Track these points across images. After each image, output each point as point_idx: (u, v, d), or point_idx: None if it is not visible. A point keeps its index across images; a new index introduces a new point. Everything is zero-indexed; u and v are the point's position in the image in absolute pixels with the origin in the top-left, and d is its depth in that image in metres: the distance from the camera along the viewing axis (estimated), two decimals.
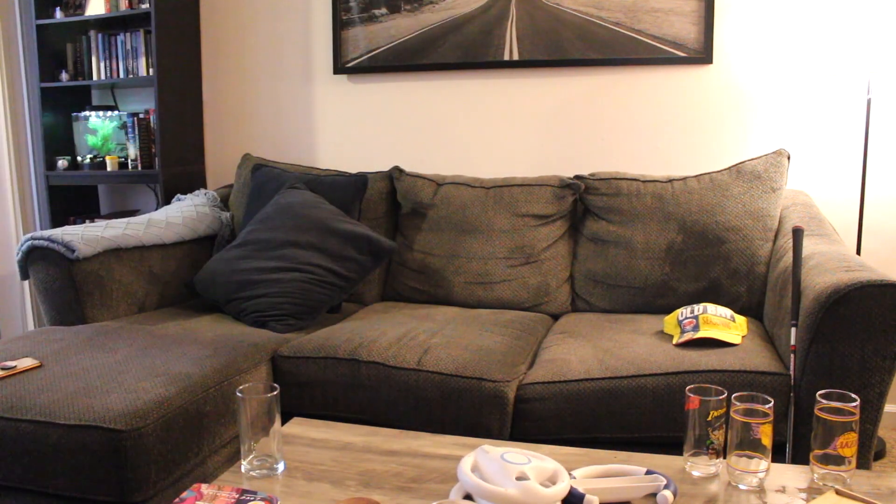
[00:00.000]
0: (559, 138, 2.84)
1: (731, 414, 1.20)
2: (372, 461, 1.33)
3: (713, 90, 2.67)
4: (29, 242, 2.23)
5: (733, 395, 1.22)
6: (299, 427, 1.49)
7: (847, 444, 1.18)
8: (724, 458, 1.24)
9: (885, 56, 2.32)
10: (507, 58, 2.82)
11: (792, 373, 1.68)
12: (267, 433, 1.27)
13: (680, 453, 1.28)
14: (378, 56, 2.97)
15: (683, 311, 2.04)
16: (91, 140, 3.19)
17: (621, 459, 1.32)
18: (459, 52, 2.87)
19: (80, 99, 3.31)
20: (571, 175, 2.66)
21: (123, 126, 3.14)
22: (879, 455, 2.38)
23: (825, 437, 1.19)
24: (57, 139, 3.19)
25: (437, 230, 2.58)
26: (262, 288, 2.27)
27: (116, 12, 3.01)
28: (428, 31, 2.89)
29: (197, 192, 2.90)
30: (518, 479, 1.07)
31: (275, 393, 1.27)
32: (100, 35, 3.10)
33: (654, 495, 1.16)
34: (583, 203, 2.53)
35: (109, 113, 3.17)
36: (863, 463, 1.64)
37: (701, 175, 2.41)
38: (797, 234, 1.74)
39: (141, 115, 3.09)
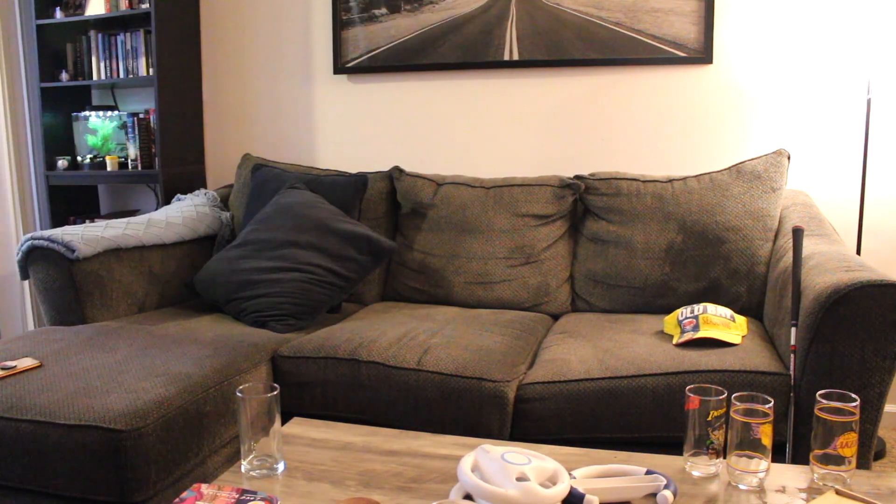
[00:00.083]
0: (559, 138, 2.84)
1: (731, 414, 1.20)
2: (372, 461, 1.33)
3: (713, 90, 2.67)
4: (29, 242, 2.23)
5: (733, 395, 1.22)
6: (299, 427, 1.49)
7: (847, 444, 1.18)
8: (724, 458, 1.24)
9: (885, 56, 2.32)
10: (507, 58, 2.82)
11: (792, 373, 1.68)
12: (267, 433, 1.27)
13: (680, 453, 1.28)
14: (378, 56, 2.97)
15: (683, 311, 2.04)
16: (91, 140, 3.19)
17: (621, 459, 1.31)
18: (459, 52, 2.87)
19: (80, 99, 3.31)
20: (571, 175, 2.66)
21: (123, 126, 3.14)
22: (879, 455, 2.38)
23: (825, 437, 1.19)
24: (57, 139, 3.19)
25: (437, 230, 2.58)
26: (262, 288, 2.27)
27: (116, 12, 3.01)
28: (428, 31, 2.89)
29: (197, 192, 2.90)
30: (518, 479, 1.07)
31: (275, 393, 1.27)
32: (100, 35, 3.10)
33: (654, 495, 1.16)
34: (583, 203, 2.53)
35: (109, 113, 3.17)
36: (863, 463, 1.64)
37: (701, 175, 2.41)
38: (797, 234, 1.74)
39: (141, 115, 3.09)
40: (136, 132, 3.08)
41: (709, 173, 2.40)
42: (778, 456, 1.49)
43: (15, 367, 1.74)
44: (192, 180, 3.18)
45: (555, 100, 2.83)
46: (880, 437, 2.48)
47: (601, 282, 2.42)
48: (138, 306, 2.43)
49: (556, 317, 2.44)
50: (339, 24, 2.99)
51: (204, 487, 1.17)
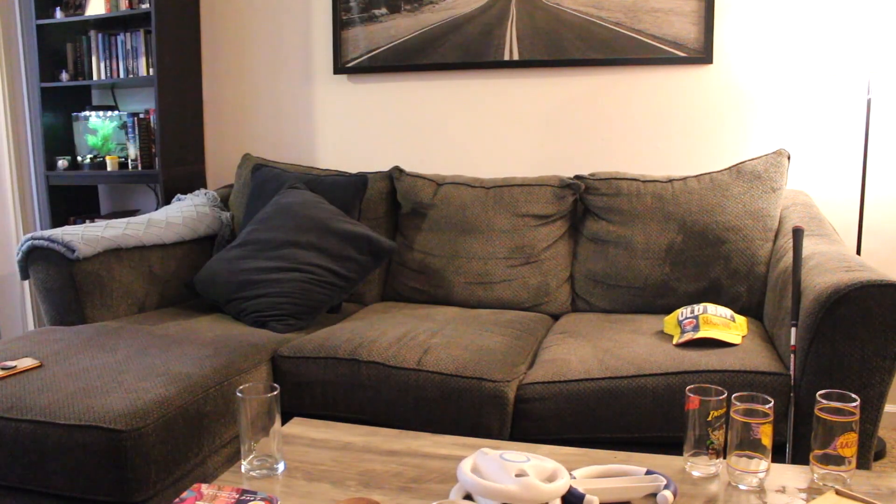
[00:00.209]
0: (559, 138, 2.84)
1: (731, 414, 1.20)
2: (372, 461, 1.33)
3: (713, 90, 2.67)
4: (29, 242, 2.23)
5: (733, 395, 1.22)
6: (299, 427, 1.49)
7: (847, 444, 1.18)
8: (724, 458, 1.24)
9: (885, 56, 2.32)
10: (507, 58, 2.82)
11: (792, 373, 1.68)
12: (267, 433, 1.27)
13: (680, 453, 1.28)
14: (378, 56, 2.97)
15: (683, 311, 2.04)
16: (91, 140, 3.19)
17: (621, 459, 1.31)
18: (459, 52, 2.87)
19: (81, 99, 3.31)
20: (571, 175, 2.66)
21: (123, 126, 3.14)
22: (879, 455, 2.38)
23: (825, 437, 1.19)
24: (57, 139, 3.19)
25: (437, 230, 2.58)
26: (262, 288, 2.27)
27: (116, 12, 3.01)
28: (428, 31, 2.89)
29: (197, 192, 2.90)
30: (517, 476, 1.07)
31: (275, 393, 1.27)
32: (100, 35, 3.10)
33: (654, 495, 1.16)
34: (583, 203, 2.53)
35: (109, 113, 3.17)
36: (863, 463, 1.64)
37: (701, 175, 2.41)
38: (797, 234, 1.74)
39: (141, 115, 3.09)
40: (137, 132, 3.08)
41: (709, 173, 2.40)
42: (778, 456, 1.49)
43: (15, 367, 1.74)
44: (192, 180, 3.18)
45: (555, 100, 2.83)
46: (880, 437, 2.48)
47: (601, 282, 2.42)
48: (138, 306, 2.43)
49: (556, 317, 2.44)
50: (340, 24, 2.99)
51: (204, 487, 1.17)
